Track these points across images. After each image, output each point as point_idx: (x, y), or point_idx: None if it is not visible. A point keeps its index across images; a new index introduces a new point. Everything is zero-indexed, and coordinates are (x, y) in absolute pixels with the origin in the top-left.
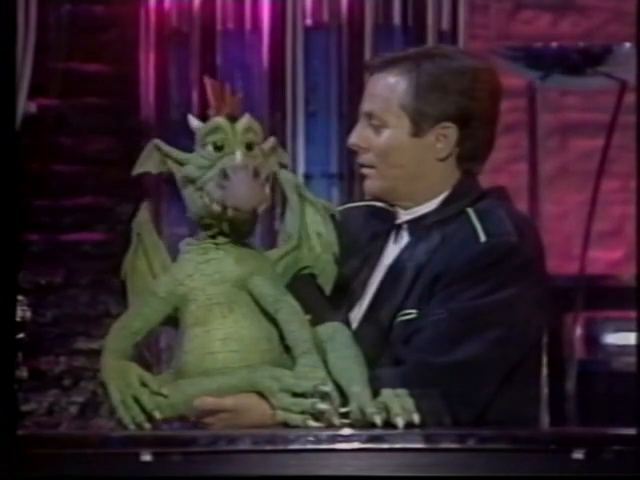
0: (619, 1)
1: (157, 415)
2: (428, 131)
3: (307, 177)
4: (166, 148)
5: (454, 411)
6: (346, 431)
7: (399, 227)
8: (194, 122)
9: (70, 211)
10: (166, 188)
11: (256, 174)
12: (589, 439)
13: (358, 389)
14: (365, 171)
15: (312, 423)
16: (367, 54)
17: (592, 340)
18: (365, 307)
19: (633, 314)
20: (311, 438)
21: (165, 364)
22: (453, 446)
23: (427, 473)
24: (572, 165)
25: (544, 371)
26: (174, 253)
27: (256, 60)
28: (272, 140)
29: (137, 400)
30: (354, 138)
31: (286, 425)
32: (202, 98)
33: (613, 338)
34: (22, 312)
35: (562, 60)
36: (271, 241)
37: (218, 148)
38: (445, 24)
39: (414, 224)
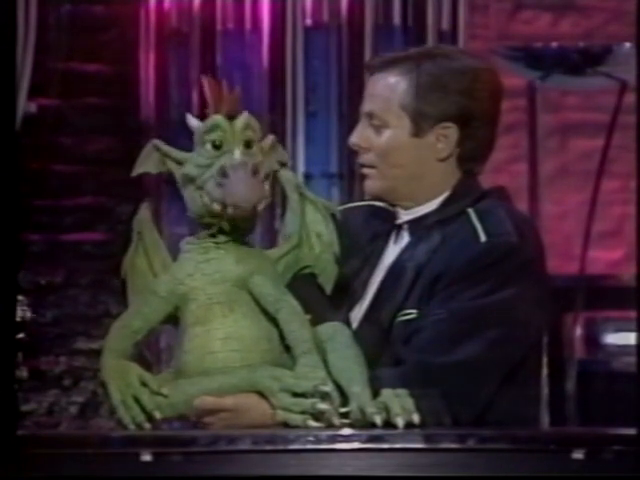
0: (619, 1)
1: (157, 415)
2: (429, 131)
3: (307, 177)
4: (165, 148)
5: (454, 411)
6: (346, 431)
7: (399, 227)
8: (193, 121)
9: (70, 211)
10: (166, 188)
11: (255, 172)
12: (589, 439)
13: (358, 389)
14: (365, 171)
15: (312, 423)
16: (367, 54)
17: (592, 340)
18: (365, 307)
19: (633, 314)
20: (311, 438)
21: (165, 364)
22: (453, 446)
23: (427, 473)
24: (572, 165)
25: (544, 371)
26: (174, 252)
27: (256, 60)
28: (271, 138)
29: (137, 400)
30: (355, 138)
31: (286, 425)
32: (202, 98)
33: (613, 338)
34: (22, 312)
35: (562, 60)
36: (271, 240)
37: (217, 147)
38: (445, 24)
39: (415, 224)
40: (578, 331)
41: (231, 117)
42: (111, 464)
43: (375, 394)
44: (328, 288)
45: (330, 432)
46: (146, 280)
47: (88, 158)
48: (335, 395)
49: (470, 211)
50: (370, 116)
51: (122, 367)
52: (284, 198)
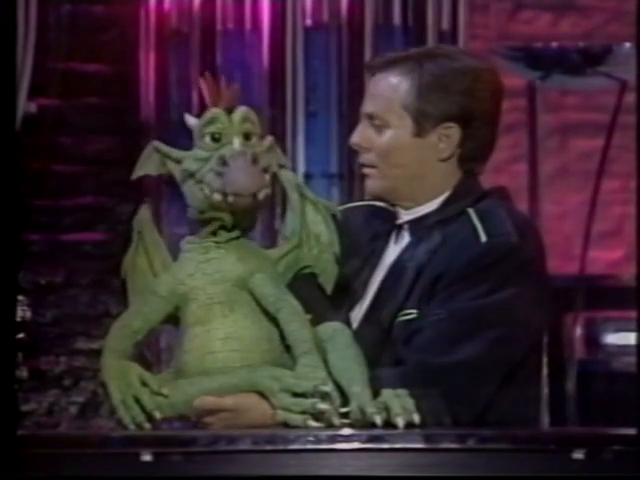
0: (619, 1)
1: (157, 415)
2: (430, 131)
3: (307, 177)
4: (165, 149)
5: (454, 411)
6: (346, 431)
7: (400, 227)
8: (191, 120)
9: (70, 211)
10: (166, 188)
11: (254, 160)
12: (589, 439)
13: (358, 389)
14: (366, 171)
15: (312, 423)
16: (367, 54)
17: (592, 340)
18: (366, 307)
19: (633, 314)
20: (311, 438)
21: (165, 364)
22: (453, 446)
23: (427, 473)
24: (572, 165)
25: (544, 371)
26: (174, 253)
27: (256, 60)
28: (270, 140)
29: (137, 400)
30: (356, 138)
31: (286, 425)
32: (202, 98)
33: (613, 338)
34: (22, 312)
35: (562, 60)
36: (271, 240)
37: (216, 139)
38: (445, 24)
39: (415, 224)
40: (578, 331)
41: (229, 110)
42: (111, 464)
43: (375, 394)
44: (328, 288)
45: (330, 432)
46: (146, 280)
47: (88, 158)
48: (335, 395)
49: (470, 211)
50: (371, 116)
51: (122, 367)
52: (284, 198)
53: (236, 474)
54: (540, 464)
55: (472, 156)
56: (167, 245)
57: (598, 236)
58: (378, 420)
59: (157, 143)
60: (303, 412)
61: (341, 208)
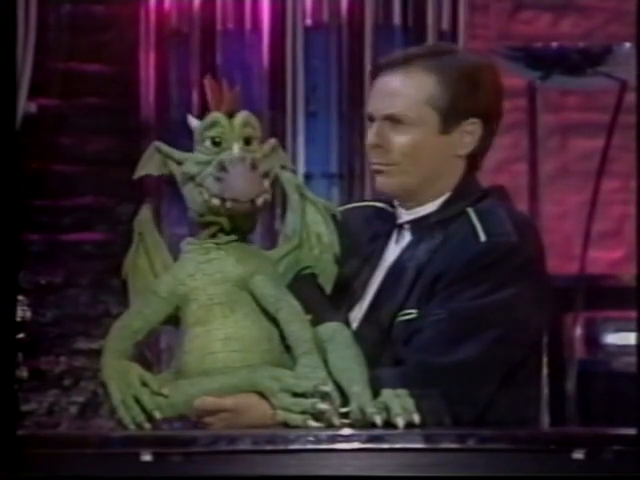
0: (619, 1)
1: (157, 415)
2: (456, 127)
3: (307, 177)
4: (167, 149)
5: (454, 411)
6: (346, 431)
7: (401, 227)
8: (193, 122)
9: (70, 211)
10: (167, 188)
11: (253, 166)
12: (589, 439)
13: (358, 389)
14: (385, 168)
15: (312, 423)
16: (367, 54)
17: (592, 340)
18: (366, 307)
19: (633, 314)
20: (311, 438)
21: (165, 364)
22: (453, 446)
23: (427, 473)
24: (572, 165)
25: (544, 371)
26: (175, 253)
27: (256, 60)
28: (272, 141)
29: (137, 400)
30: (373, 139)
31: (286, 425)
32: (202, 98)
33: (613, 338)
34: (22, 312)
35: (562, 60)
36: (272, 241)
37: (216, 143)
38: (445, 24)
39: (416, 224)
40: (578, 331)
41: (231, 114)
42: (111, 464)
43: (375, 394)
44: (328, 288)
45: (330, 432)
46: (147, 280)
47: (88, 158)
48: (335, 395)
49: (470, 211)
50: (391, 117)
51: (122, 367)
52: (284, 198)
53: (236, 474)
54: (540, 464)
55: (482, 152)
56: (168, 246)
57: (598, 236)
58: (378, 420)
59: (159, 143)
60: (303, 412)
61: (341, 208)
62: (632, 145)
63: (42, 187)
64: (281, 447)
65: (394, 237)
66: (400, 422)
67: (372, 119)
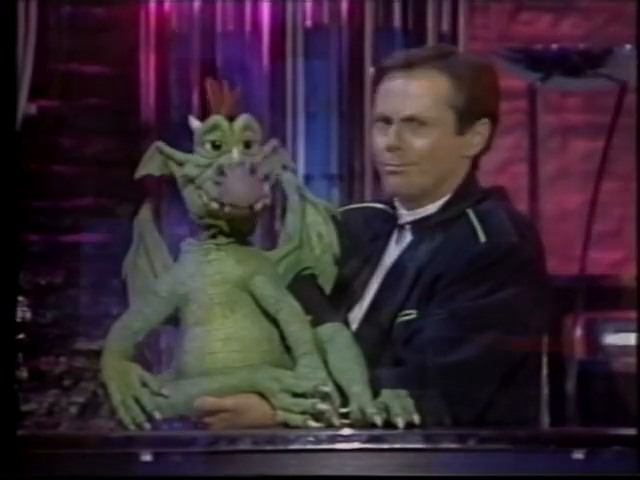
0: (619, 3)
1: (157, 415)
2: (469, 128)
3: (307, 178)
4: (168, 150)
5: (454, 411)
6: (346, 431)
7: (402, 227)
8: (195, 123)
9: (70, 212)
10: (167, 189)
11: (253, 171)
12: (589, 439)
13: (358, 389)
14: (403, 169)
15: (312, 423)
16: (367, 56)
17: (592, 340)
18: (366, 307)
19: (633, 315)
20: (311, 438)
21: (165, 364)
22: (453, 446)
23: (427, 473)
24: (572, 166)
25: (544, 371)
26: (175, 253)
27: (256, 61)
28: (274, 142)
29: (137, 400)
30: (394, 141)
31: (286, 425)
32: (202, 99)
33: (613, 339)
34: (22, 312)
35: (562, 62)
36: (272, 242)
37: (216, 147)
38: (445, 25)
39: (417, 225)
40: (578, 331)
41: (231, 118)
42: (111, 464)
43: (375, 394)
44: (328, 289)
45: (330, 432)
46: (147, 280)
47: (88, 159)
48: (335, 395)
49: (470, 212)
50: (411, 118)
51: (122, 368)
52: (285, 199)
53: (236, 474)
54: (540, 464)
55: (484, 153)
56: (168, 246)
57: (598, 237)
58: (378, 420)
59: (161, 144)
60: (303, 412)
61: (341, 209)
62: (632, 146)
63: (42, 188)
64: (281, 447)
65: (394, 238)
66: (400, 422)
67: (388, 121)
